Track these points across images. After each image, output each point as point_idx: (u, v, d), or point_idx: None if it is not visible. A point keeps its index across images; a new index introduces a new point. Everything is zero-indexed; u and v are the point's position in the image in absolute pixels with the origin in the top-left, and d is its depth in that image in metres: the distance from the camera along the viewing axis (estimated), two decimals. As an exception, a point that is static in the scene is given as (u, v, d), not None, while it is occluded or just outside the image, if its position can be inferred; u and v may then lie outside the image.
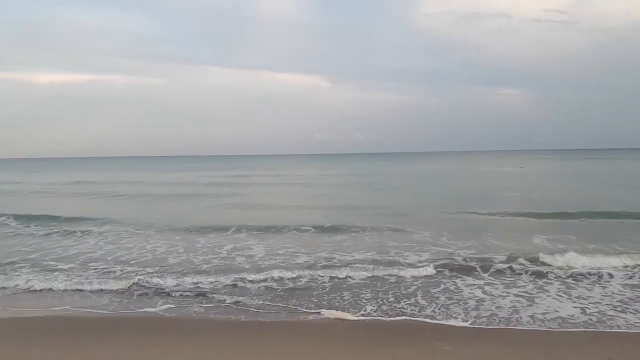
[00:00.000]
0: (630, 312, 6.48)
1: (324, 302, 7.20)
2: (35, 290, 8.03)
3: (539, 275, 8.34)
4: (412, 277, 8.33)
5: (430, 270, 8.58)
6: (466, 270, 8.70)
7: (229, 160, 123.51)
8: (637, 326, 6.02)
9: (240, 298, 7.40)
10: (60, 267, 9.52)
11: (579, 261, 8.57)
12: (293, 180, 36.66)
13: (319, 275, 8.48)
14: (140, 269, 9.22)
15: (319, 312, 6.79)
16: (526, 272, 8.48)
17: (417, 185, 31.07)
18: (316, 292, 7.69)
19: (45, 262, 9.93)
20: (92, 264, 9.81)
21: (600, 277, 8.15)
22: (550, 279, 8.13)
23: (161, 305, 7.19)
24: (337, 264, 9.28)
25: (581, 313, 6.50)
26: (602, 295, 7.20)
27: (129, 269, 9.27)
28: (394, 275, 8.42)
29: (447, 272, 8.63)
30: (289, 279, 8.36)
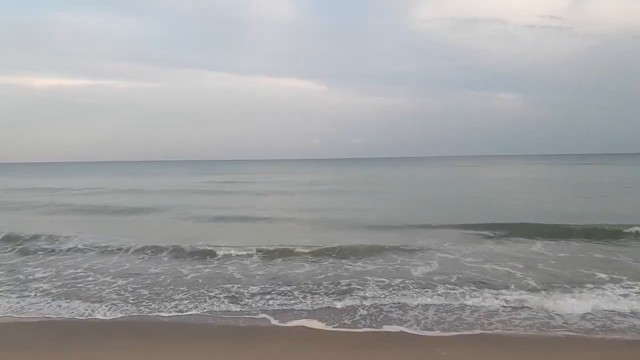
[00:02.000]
0: (631, 317, 6.43)
1: (325, 307, 7.16)
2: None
3: (535, 281, 8.19)
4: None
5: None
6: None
7: (228, 165, 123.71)
8: (634, 332, 5.96)
9: (238, 304, 7.34)
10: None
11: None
12: (292, 187, 36.11)
13: (322, 282, 8.37)
14: (112, 279, 8.88)
15: (320, 317, 6.73)
16: (523, 276, 8.38)
17: (414, 192, 30.57)
18: (318, 297, 7.63)
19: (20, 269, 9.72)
20: (67, 271, 9.49)
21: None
22: (545, 283, 8.01)
23: (159, 309, 7.16)
24: (345, 275, 8.99)
25: (580, 319, 6.42)
26: (602, 301, 7.08)
27: (103, 279, 8.94)
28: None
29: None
30: (288, 285, 8.21)
